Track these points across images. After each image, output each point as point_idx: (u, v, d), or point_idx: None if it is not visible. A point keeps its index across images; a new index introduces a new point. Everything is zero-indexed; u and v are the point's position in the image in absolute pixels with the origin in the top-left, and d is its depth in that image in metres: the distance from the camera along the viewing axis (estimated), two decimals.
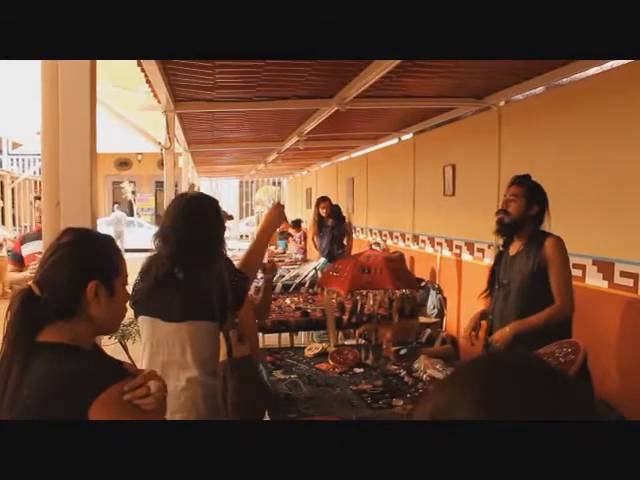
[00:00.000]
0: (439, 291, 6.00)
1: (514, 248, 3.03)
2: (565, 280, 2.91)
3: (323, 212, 7.57)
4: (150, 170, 21.54)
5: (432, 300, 6.01)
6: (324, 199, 7.80)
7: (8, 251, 8.66)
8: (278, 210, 2.56)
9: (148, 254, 2.32)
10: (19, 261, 4.23)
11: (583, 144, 3.91)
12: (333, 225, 7.52)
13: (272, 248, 10.05)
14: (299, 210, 12.72)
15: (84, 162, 1.56)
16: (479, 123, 5.49)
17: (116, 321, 1.45)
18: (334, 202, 8.21)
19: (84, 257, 1.36)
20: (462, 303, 5.86)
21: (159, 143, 5.00)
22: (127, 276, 1.46)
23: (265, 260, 2.85)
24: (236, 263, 2.42)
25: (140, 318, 2.27)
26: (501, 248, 3.15)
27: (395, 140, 7.82)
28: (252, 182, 22.00)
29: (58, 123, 1.64)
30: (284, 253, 10.55)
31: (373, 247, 6.71)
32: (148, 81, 4.18)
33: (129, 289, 1.51)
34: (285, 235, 10.68)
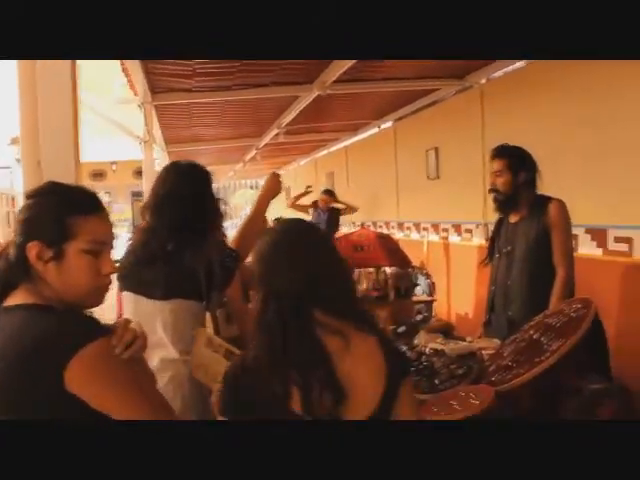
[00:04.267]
0: (427, 276, 5.95)
1: (515, 216, 2.98)
2: (567, 247, 2.87)
3: (321, 204, 7.73)
4: (125, 180, 21.23)
5: (421, 286, 5.96)
6: (325, 192, 7.99)
7: None
8: (275, 179, 2.47)
9: (137, 226, 2.21)
10: None
11: (568, 114, 3.88)
12: (328, 217, 7.62)
13: None
14: (279, 209, 12.62)
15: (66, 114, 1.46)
16: (461, 104, 5.45)
17: (77, 289, 1.27)
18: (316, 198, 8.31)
19: (29, 218, 1.27)
20: (451, 286, 5.81)
21: (137, 137, 4.88)
22: (101, 244, 1.30)
23: None
24: (232, 237, 2.33)
25: (124, 294, 2.16)
26: (500, 215, 3.09)
27: (375, 129, 7.77)
28: (228, 187, 21.82)
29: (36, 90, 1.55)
30: None
31: None
32: (125, 69, 4.08)
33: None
34: None
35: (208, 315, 2.21)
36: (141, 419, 1.20)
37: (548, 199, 2.88)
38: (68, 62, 1.55)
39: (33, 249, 1.23)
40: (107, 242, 1.32)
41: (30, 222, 1.26)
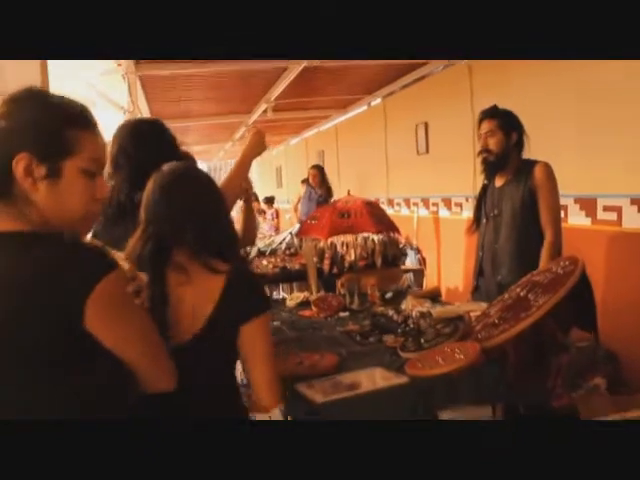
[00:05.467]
0: (418, 251, 5.93)
1: (500, 180, 2.94)
2: (555, 209, 2.83)
3: (311, 180, 7.64)
4: None
5: (411, 261, 5.93)
6: (314, 167, 7.87)
7: None
8: (258, 136, 2.39)
9: None
10: None
11: (556, 85, 3.84)
12: (320, 194, 7.51)
13: None
14: (270, 189, 12.56)
15: None
16: (449, 78, 5.39)
17: (71, 214, 1.09)
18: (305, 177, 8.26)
19: (14, 126, 1.05)
20: (442, 260, 5.79)
21: (122, 107, 4.78)
22: (98, 164, 1.14)
23: None
24: None
25: None
26: (485, 181, 3.05)
27: (364, 107, 7.70)
28: (220, 169, 21.69)
29: None
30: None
31: None
32: None
33: None
34: (257, 212, 10.52)
35: None
36: (149, 352, 1.20)
37: (534, 162, 2.85)
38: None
39: (21, 162, 1.02)
40: (103, 163, 1.18)
41: (17, 131, 1.04)
